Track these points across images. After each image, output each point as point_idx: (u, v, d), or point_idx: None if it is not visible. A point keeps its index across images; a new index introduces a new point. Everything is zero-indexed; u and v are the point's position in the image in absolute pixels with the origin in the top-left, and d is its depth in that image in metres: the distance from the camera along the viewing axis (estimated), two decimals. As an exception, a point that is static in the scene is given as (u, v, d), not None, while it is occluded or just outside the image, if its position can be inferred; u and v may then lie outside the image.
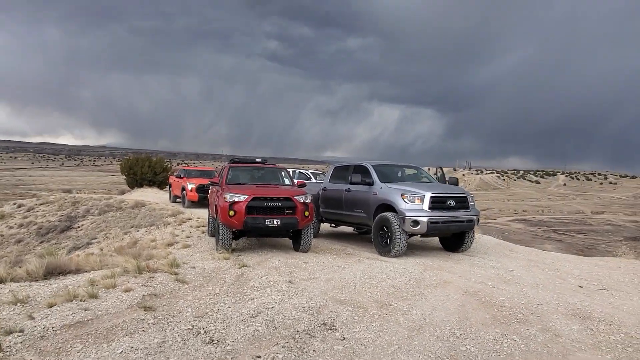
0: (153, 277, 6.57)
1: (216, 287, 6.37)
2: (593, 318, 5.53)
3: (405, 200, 8.66)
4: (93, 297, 5.62)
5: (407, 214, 8.51)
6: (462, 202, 9.09)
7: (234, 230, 8.77)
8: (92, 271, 7.19)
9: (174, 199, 20.99)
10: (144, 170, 30.43)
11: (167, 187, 23.68)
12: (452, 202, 8.89)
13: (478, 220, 9.35)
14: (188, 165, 32.98)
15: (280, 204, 8.66)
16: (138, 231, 14.10)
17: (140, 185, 30.23)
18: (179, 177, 19.97)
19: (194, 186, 18.25)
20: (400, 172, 10.61)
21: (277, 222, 8.55)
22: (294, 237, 9.32)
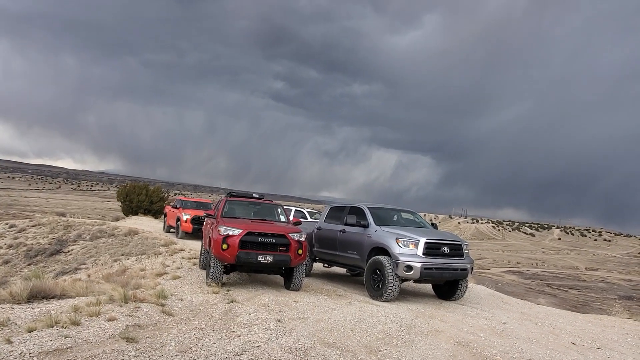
0: (139, 308, 6.42)
1: (202, 321, 6.22)
2: (586, 377, 5.38)
3: (399, 244, 8.59)
4: (75, 324, 5.47)
5: (401, 258, 8.43)
6: (457, 250, 9.01)
7: (225, 264, 8.66)
8: (77, 297, 7.03)
9: (168, 228, 20.79)
10: (141, 198, 30.36)
11: (163, 216, 23.57)
12: (446, 249, 8.82)
13: (472, 269, 9.27)
14: (185, 196, 32.89)
15: (274, 240, 8.60)
16: (128, 259, 13.90)
17: (136, 213, 30.06)
18: (174, 207, 19.81)
19: (189, 217, 18.08)
20: (396, 216, 10.55)
21: (270, 258, 8.46)
22: (285, 275, 9.19)
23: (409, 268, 8.34)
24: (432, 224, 10.69)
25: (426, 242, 8.59)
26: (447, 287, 9.56)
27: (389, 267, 8.48)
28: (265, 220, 9.86)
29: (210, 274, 8.60)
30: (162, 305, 6.69)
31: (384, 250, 8.85)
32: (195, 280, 9.47)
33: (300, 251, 8.72)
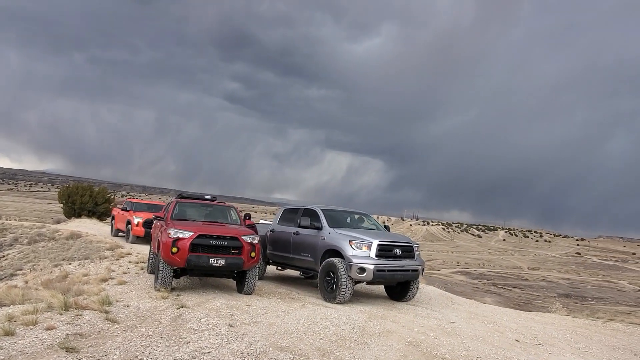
0: (81, 315, 6.08)
1: (150, 328, 5.97)
2: (529, 373, 5.62)
3: (352, 246, 8.63)
4: (9, 334, 5.10)
5: (354, 260, 8.46)
6: (408, 252, 9.15)
7: (175, 268, 8.39)
8: (12, 305, 6.57)
9: (116, 232, 19.89)
10: (84, 200, 28.92)
11: (110, 219, 22.19)
12: (398, 251, 8.93)
13: (423, 270, 9.45)
14: (134, 198, 31.57)
15: (226, 243, 8.41)
16: (70, 264, 13.18)
17: (79, 216, 28.61)
18: (124, 209, 18.66)
19: (140, 220, 17.16)
20: (349, 218, 10.57)
21: (221, 261, 8.27)
22: (238, 278, 9.02)
23: (362, 270, 8.39)
24: (385, 226, 10.79)
25: (379, 244, 8.67)
26: (399, 288, 9.71)
27: (343, 269, 8.50)
28: (217, 222, 9.63)
29: (159, 278, 8.29)
30: (107, 312, 6.37)
31: (337, 253, 8.86)
32: (143, 285, 9.10)
33: (253, 254, 8.59)
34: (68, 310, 6.18)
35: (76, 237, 17.28)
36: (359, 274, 8.41)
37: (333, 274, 8.70)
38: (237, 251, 8.45)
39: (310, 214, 10.00)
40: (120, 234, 19.55)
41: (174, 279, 8.65)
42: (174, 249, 8.08)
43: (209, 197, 10.68)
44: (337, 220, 9.97)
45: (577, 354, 7.02)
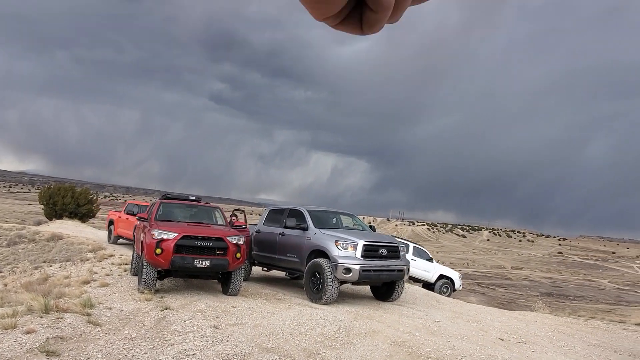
0: (62, 318, 5.96)
1: (133, 330, 5.88)
2: (512, 371, 5.69)
3: (338, 247, 8.62)
4: (-14, 338, 4.97)
5: (340, 261, 8.46)
6: (394, 252, 9.18)
7: (159, 269, 8.28)
8: (-11, 309, 6.40)
9: (116, 239, 17.47)
10: (66, 201, 28.37)
11: (107, 224, 19.09)
12: (384, 251, 8.95)
13: (408, 270, 9.49)
14: (135, 200, 30.56)
15: (211, 244, 8.34)
16: (51, 266, 12.93)
17: (60, 217, 28.07)
18: (130, 213, 16.30)
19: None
20: (335, 219, 10.58)
21: (206, 262, 8.20)
22: (223, 280, 8.95)
23: (348, 270, 8.39)
24: (370, 226, 10.79)
25: (365, 245, 8.68)
26: (384, 288, 9.74)
27: (328, 269, 8.49)
28: (202, 223, 9.55)
29: (143, 280, 8.18)
30: (89, 314, 6.25)
31: (323, 253, 8.84)
32: (126, 287, 8.97)
33: (238, 255, 8.53)
34: (49, 313, 6.06)
35: (57, 239, 16.95)
36: (345, 274, 8.41)
37: (319, 274, 8.69)
38: (222, 252, 8.38)
39: (296, 214, 9.97)
40: (121, 241, 17.33)
41: (158, 280, 8.55)
42: (158, 250, 7.98)
43: (193, 198, 10.58)
44: (323, 220, 9.98)
45: (559, 351, 7.12)
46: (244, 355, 5.30)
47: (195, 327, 6.17)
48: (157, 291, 8.28)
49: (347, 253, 8.58)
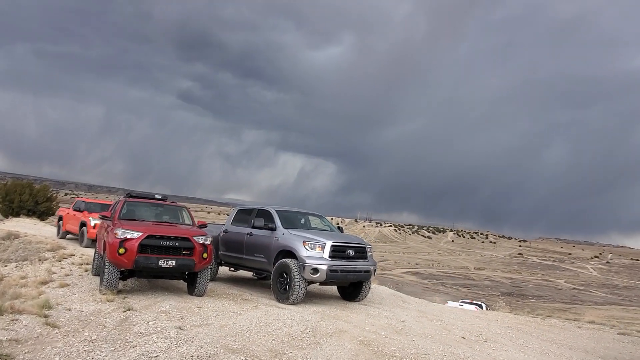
0: (17, 320, 5.72)
1: (93, 332, 5.71)
2: (474, 368, 5.85)
3: (306, 247, 8.65)
4: None
5: (308, 261, 8.47)
6: (361, 253, 9.26)
7: (122, 269, 8.07)
8: (-62, 311, 6.07)
9: (64, 234, 18.28)
10: (24, 198, 27.23)
11: (57, 220, 20.16)
12: (351, 252, 9.03)
13: (375, 270, 9.56)
14: (85, 197, 29.89)
15: (177, 244, 8.19)
16: (6, 266, 12.36)
17: (17, 215, 26.91)
18: (77, 210, 17.15)
19: (97, 222, 15.38)
20: (303, 219, 10.62)
21: (172, 262, 8.04)
22: (189, 280, 8.80)
23: (316, 271, 8.42)
24: (338, 227, 10.84)
25: (332, 245, 8.73)
26: (351, 288, 9.81)
27: (296, 269, 8.49)
28: (168, 222, 9.36)
29: (105, 280, 7.95)
30: (46, 316, 6.03)
31: (291, 253, 8.84)
32: (87, 288, 8.69)
33: (205, 255, 8.42)
34: (3, 315, 5.80)
35: (13, 238, 16.23)
36: (313, 274, 8.44)
37: (286, 274, 8.67)
38: (188, 252, 8.24)
39: (265, 214, 9.92)
40: (69, 236, 18.23)
41: (121, 281, 8.33)
42: (121, 250, 7.77)
43: (159, 197, 10.36)
44: (291, 221, 9.98)
45: (518, 349, 7.38)
46: (209, 357, 5.23)
47: (159, 329, 6.05)
48: (119, 292, 8.06)
49: (315, 253, 8.61)
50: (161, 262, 7.96)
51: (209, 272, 8.91)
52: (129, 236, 7.89)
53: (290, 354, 5.65)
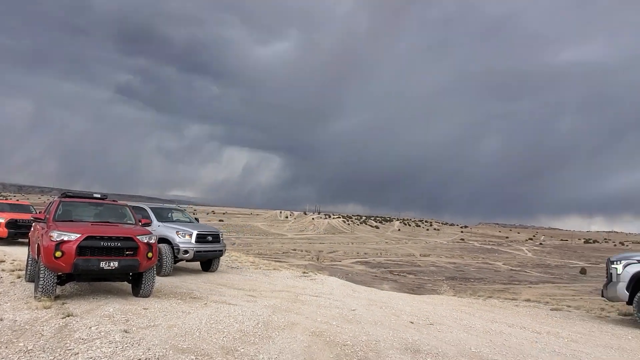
0: (-60, 334, 5.26)
1: (30, 342, 5.36)
2: (422, 351, 6.08)
3: (179, 236, 11.90)
4: None
5: (181, 245, 11.75)
6: (216, 238, 12.68)
7: (60, 274, 7.61)
8: None
9: None
10: None
11: None
12: (210, 238, 12.45)
13: (224, 250, 13.31)
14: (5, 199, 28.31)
15: (119, 244, 7.83)
16: None
17: None
18: None
19: (3, 221, 16.60)
20: (170, 214, 13.69)
21: (115, 264, 7.69)
22: (134, 281, 8.46)
23: (186, 252, 11.71)
24: (195, 218, 14.32)
25: (197, 234, 12.09)
26: (208, 263, 13.09)
27: (168, 252, 11.46)
28: (109, 222, 8.93)
29: (40, 286, 7.46)
30: (-26, 328, 5.58)
31: (167, 241, 11.68)
32: (20, 295, 8.12)
33: (150, 254, 8.12)
34: None
35: None
36: (184, 255, 11.72)
37: (161, 256, 11.18)
38: (132, 252, 7.92)
39: (141, 211, 12.42)
40: None
41: (59, 286, 7.86)
42: (58, 253, 7.33)
43: (98, 196, 9.86)
44: (162, 215, 13.04)
45: (463, 329, 7.73)
46: (158, 358, 5.07)
47: (102, 333, 5.77)
48: (57, 297, 7.61)
49: (185, 240, 11.90)
50: (103, 264, 7.59)
51: (155, 272, 8.62)
52: (65, 238, 7.46)
53: (242, 350, 5.60)
